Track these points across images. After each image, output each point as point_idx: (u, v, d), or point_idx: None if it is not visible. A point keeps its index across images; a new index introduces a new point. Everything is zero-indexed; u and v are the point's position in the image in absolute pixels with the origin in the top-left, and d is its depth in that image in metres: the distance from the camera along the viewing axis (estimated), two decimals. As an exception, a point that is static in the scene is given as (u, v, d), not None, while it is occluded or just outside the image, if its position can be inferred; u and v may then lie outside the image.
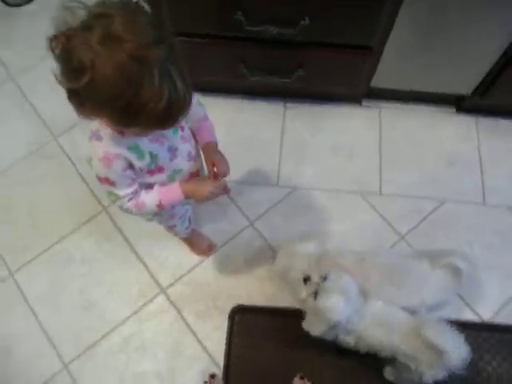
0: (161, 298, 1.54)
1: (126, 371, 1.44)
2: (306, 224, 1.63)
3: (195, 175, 1.13)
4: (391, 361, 1.27)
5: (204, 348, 1.47)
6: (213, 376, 1.36)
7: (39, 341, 1.48)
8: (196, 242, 1.57)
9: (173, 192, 1.02)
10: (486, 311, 1.51)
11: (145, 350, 1.47)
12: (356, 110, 1.84)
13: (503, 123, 1.81)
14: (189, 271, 1.57)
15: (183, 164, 1.06)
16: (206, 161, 1.10)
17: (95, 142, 0.88)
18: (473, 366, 1.43)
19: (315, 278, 1.16)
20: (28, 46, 1.97)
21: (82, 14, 0.69)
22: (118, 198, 0.96)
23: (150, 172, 0.99)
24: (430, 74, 1.60)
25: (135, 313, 1.52)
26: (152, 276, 1.57)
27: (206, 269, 1.58)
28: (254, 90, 1.79)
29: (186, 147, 1.05)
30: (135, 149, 0.91)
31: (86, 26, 0.68)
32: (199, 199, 1.05)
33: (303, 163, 1.74)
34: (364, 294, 1.21)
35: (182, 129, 1.03)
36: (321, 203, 1.68)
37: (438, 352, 1.12)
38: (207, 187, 1.03)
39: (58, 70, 0.72)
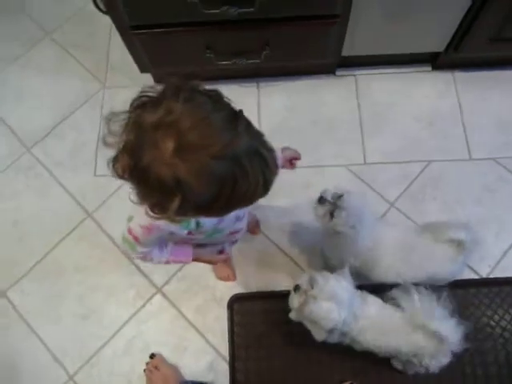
0: (158, 298, 1.52)
1: (133, 373, 1.44)
2: (293, 202, 1.61)
3: (235, 233, 1.10)
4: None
5: (207, 341, 1.46)
6: (152, 356, 1.43)
7: (42, 356, 1.47)
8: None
9: (183, 259, 1.02)
10: (483, 267, 1.51)
11: (149, 351, 1.46)
12: (331, 81, 1.80)
13: (480, 74, 1.77)
14: (182, 266, 1.55)
15: (227, 225, 1.01)
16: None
17: (142, 208, 0.79)
18: (476, 323, 1.44)
19: (304, 286, 1.12)
20: (-13, 58, 1.91)
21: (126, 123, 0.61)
22: (132, 249, 0.92)
23: (190, 233, 0.94)
24: (401, 34, 1.55)
25: (135, 315, 1.51)
26: (146, 277, 1.55)
27: (198, 262, 1.56)
28: (224, 74, 1.74)
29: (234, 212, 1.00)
30: (183, 220, 0.84)
31: (150, 139, 0.58)
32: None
33: (284, 141, 1.67)
34: (362, 294, 1.19)
35: None
36: (307, 180, 1.65)
37: (438, 339, 1.13)
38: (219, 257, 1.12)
39: (135, 189, 0.65)
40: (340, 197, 1.18)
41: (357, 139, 1.71)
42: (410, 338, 1.15)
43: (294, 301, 1.15)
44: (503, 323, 1.45)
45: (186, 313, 1.50)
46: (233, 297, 1.49)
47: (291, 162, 1.20)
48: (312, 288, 1.11)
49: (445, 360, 1.18)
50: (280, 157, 1.13)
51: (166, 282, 1.54)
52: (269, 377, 1.39)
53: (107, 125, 0.63)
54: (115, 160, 0.64)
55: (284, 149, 1.17)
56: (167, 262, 1.00)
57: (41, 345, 1.49)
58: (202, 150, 0.58)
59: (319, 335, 1.14)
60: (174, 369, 1.42)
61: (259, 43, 1.47)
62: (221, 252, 1.13)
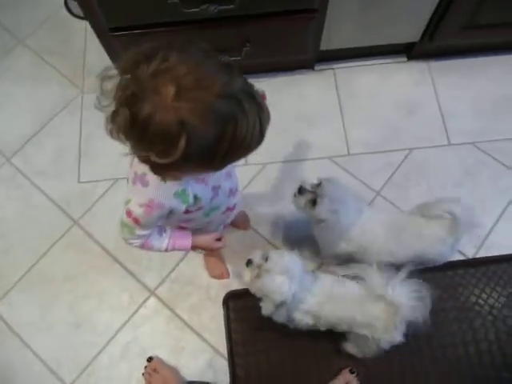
0: (152, 301, 1.51)
1: (131, 379, 1.43)
2: (282, 197, 1.62)
3: (231, 209, 1.10)
4: (347, 337, 1.29)
5: (204, 340, 1.46)
6: (149, 359, 1.42)
7: (36, 368, 1.45)
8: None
9: (182, 243, 1.02)
10: (469, 248, 1.56)
11: (146, 354, 1.44)
12: (310, 76, 1.82)
13: (454, 62, 1.82)
14: (174, 267, 1.55)
15: (222, 201, 1.01)
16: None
17: (140, 187, 0.81)
18: (464, 302, 1.48)
19: (257, 260, 1.13)
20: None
21: (120, 78, 0.62)
22: (132, 234, 0.92)
23: (188, 212, 0.94)
24: (377, 26, 1.59)
25: (129, 320, 1.50)
26: (138, 280, 1.54)
27: (191, 261, 1.56)
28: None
29: (228, 184, 1.00)
30: (181, 194, 0.85)
31: (149, 91, 0.59)
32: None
33: (268, 138, 1.68)
34: (312, 272, 1.21)
35: None
36: (293, 174, 1.67)
37: (391, 307, 1.13)
38: (217, 245, 1.09)
39: (134, 145, 0.65)
40: (319, 185, 1.20)
41: (339, 131, 1.73)
42: (364, 307, 1.16)
43: (246, 275, 1.14)
44: (491, 301, 1.49)
45: (181, 313, 1.49)
46: (227, 294, 1.48)
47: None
48: (265, 262, 1.11)
49: (398, 337, 1.16)
50: None
51: (159, 285, 1.53)
52: (268, 369, 1.39)
53: (101, 84, 0.64)
54: (113, 117, 0.63)
55: None
56: (166, 250, 0.99)
57: (34, 357, 1.46)
58: (203, 90, 0.60)
59: (266, 310, 1.14)
60: (174, 370, 1.41)
61: (239, 40, 1.48)
62: (219, 239, 1.13)
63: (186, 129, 0.60)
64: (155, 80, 0.60)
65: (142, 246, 0.95)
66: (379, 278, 1.16)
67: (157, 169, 0.68)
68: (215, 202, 0.98)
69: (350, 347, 1.33)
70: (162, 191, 0.81)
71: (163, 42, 0.64)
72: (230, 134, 0.63)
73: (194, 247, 1.05)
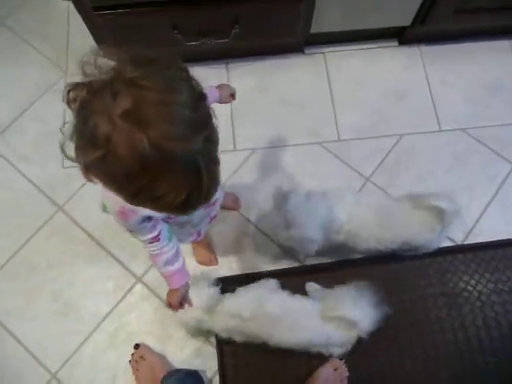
0: (138, 288, 1.49)
1: (119, 366, 1.41)
2: (271, 183, 1.60)
3: (213, 204, 1.09)
4: None
5: (193, 327, 1.44)
6: (136, 346, 1.40)
7: (21, 357, 1.41)
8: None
9: (175, 282, 1.03)
10: (458, 235, 1.55)
11: (133, 342, 1.42)
12: (300, 59, 1.79)
13: (446, 48, 1.81)
14: (162, 254, 1.52)
15: None
16: None
17: (110, 193, 0.79)
18: (453, 288, 1.49)
19: None
20: None
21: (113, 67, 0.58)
22: (140, 240, 0.93)
23: (166, 220, 0.94)
24: (368, 10, 1.56)
25: (115, 307, 1.47)
26: (125, 267, 1.51)
27: (178, 248, 1.53)
28: (191, 55, 1.69)
29: None
30: None
31: (113, 89, 0.55)
32: (169, 296, 1.07)
33: (257, 123, 1.69)
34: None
35: None
36: (282, 160, 1.64)
37: (348, 325, 1.23)
38: (175, 298, 1.06)
39: (72, 127, 0.60)
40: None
41: (329, 116, 1.71)
42: (321, 328, 1.23)
43: None
44: (479, 287, 1.50)
45: (169, 301, 1.47)
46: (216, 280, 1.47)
47: (232, 95, 1.18)
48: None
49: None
50: (216, 95, 1.10)
51: (146, 271, 1.50)
52: (258, 357, 1.38)
53: (83, 68, 0.60)
54: (76, 86, 0.60)
55: (220, 86, 1.14)
56: (162, 274, 1.01)
57: (19, 346, 1.42)
58: (146, 127, 0.54)
59: None
60: (161, 357, 1.39)
61: (228, 21, 1.44)
62: (198, 234, 1.11)
63: (108, 146, 0.55)
64: (124, 85, 0.55)
65: (152, 256, 0.97)
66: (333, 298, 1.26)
67: (80, 163, 0.62)
68: None
69: None
70: None
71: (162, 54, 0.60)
72: (144, 183, 0.57)
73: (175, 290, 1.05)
